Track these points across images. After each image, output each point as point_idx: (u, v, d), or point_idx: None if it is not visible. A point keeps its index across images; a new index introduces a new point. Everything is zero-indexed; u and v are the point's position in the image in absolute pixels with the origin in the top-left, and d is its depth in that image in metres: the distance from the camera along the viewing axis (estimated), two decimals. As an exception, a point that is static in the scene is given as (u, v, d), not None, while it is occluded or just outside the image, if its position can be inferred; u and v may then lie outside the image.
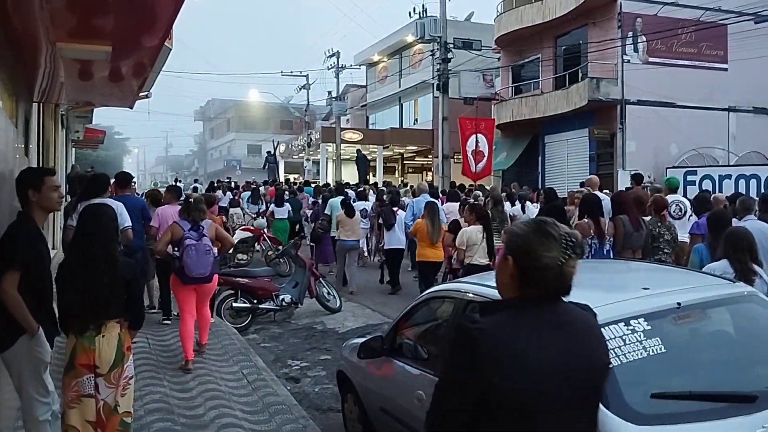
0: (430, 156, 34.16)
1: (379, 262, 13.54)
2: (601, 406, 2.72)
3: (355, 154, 32.17)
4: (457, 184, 18.70)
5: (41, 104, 8.07)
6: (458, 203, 11.83)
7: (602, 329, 2.95)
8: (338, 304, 10.50)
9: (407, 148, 36.46)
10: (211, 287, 7.19)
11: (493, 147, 28.64)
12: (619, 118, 21.99)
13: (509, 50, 27.65)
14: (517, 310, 2.11)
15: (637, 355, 2.94)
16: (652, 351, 2.96)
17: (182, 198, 9.40)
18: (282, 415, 5.47)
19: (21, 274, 3.69)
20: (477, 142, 17.14)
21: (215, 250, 7.03)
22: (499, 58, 29.01)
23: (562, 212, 7.90)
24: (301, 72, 41.63)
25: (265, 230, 15.57)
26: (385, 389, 4.61)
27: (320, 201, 15.60)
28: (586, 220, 7.36)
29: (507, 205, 11.75)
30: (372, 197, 15.63)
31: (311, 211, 16.40)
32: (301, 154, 42.39)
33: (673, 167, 20.27)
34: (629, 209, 7.61)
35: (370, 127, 41.61)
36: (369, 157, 39.75)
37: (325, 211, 13.54)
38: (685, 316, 3.24)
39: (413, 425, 4.09)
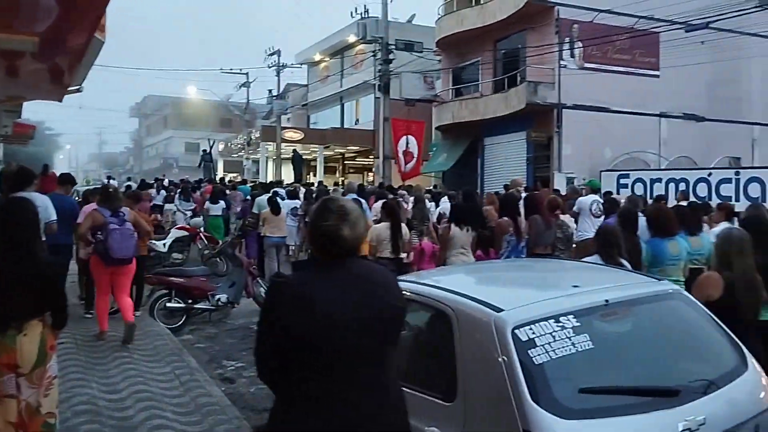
0: (371, 156, 34.21)
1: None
2: (530, 401, 2.79)
3: (293, 154, 32.29)
4: (386, 185, 18.87)
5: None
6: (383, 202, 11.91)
7: (533, 326, 3.04)
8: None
9: (348, 148, 36.43)
10: (132, 269, 7.58)
11: (434, 149, 29.19)
12: (555, 121, 22.48)
13: (450, 53, 27.95)
14: (316, 267, 2.64)
15: (566, 351, 2.99)
16: (581, 347, 3.02)
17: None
18: (215, 415, 5.36)
19: None
20: (407, 143, 17.57)
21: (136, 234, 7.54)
22: (440, 61, 29.28)
23: (477, 210, 8.68)
24: (241, 69, 41.06)
25: (202, 229, 15.29)
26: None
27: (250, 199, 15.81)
28: (506, 219, 7.96)
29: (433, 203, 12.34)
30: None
31: (240, 208, 16.57)
32: (240, 153, 41.86)
33: (607, 170, 20.85)
34: (542, 209, 8.21)
35: (311, 126, 41.43)
36: (310, 157, 39.63)
37: (253, 209, 13.83)
38: (612, 313, 3.32)
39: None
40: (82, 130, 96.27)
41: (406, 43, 25.52)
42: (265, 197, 13.58)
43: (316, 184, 23.41)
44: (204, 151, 37.05)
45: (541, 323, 3.07)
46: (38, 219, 3.93)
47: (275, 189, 16.25)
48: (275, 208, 12.58)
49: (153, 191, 19.83)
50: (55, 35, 4.04)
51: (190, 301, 9.23)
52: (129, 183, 28.57)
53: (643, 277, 3.93)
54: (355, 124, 36.93)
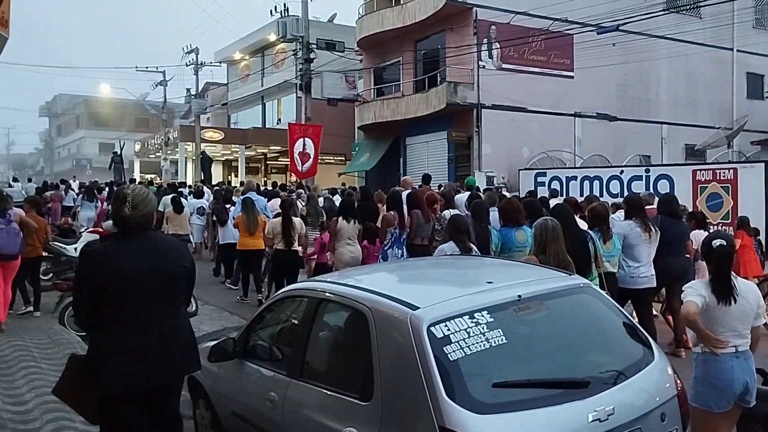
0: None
1: (214, 256, 14.67)
2: (445, 397, 2.80)
3: (202, 155, 32.38)
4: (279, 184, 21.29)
5: None
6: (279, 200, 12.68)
7: (448, 323, 3.05)
8: (194, 308, 10.11)
9: (270, 148, 35.98)
10: (16, 264, 8.46)
11: (356, 148, 29.21)
12: (475, 121, 22.87)
13: (371, 53, 28.03)
14: (117, 238, 3.54)
15: (480, 346, 3.01)
16: (495, 342, 3.05)
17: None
18: (128, 425, 5.16)
19: None
20: (304, 145, 19.14)
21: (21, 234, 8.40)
22: (361, 60, 29.32)
23: (362, 206, 9.90)
24: (157, 68, 39.89)
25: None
26: (237, 393, 4.47)
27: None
28: (392, 213, 8.87)
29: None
30: (209, 196, 16.64)
31: None
32: (158, 154, 40.73)
33: (525, 169, 21.34)
34: (422, 205, 9.18)
35: (232, 126, 40.76)
36: (231, 157, 39.03)
37: (159, 208, 13.45)
38: (525, 308, 3.36)
39: (266, 428, 4.00)
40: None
41: (327, 42, 25.41)
42: (169, 197, 14.02)
43: (226, 184, 23.52)
44: (114, 152, 36.19)
45: (456, 320, 3.09)
46: None
47: (180, 189, 17.07)
48: (178, 207, 13.13)
49: (62, 192, 19.32)
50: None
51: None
52: (29, 184, 27.57)
53: (555, 272, 4.01)
54: (277, 123, 36.52)
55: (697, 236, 7.90)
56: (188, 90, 37.84)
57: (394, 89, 26.96)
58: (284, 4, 27.37)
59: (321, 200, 13.62)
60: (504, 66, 23.23)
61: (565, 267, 4.91)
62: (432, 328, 3.03)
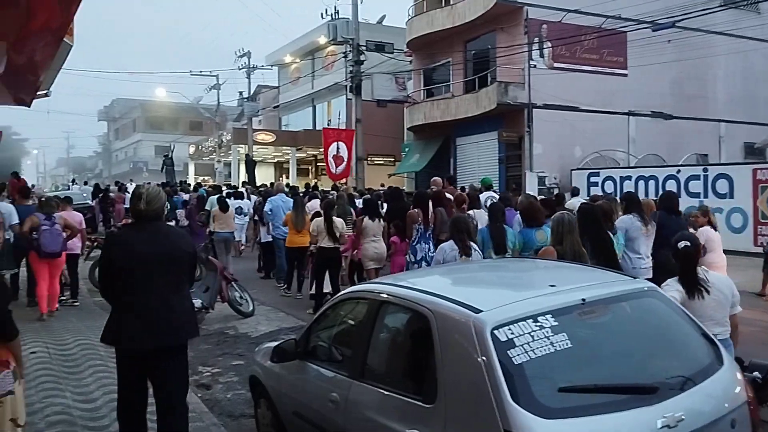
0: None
1: (258, 252, 15.41)
2: (511, 401, 2.80)
3: (246, 158, 33.06)
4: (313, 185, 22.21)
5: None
6: (319, 200, 13.38)
7: (512, 326, 3.05)
8: (251, 308, 10.32)
9: (320, 149, 36.21)
10: (61, 262, 9.56)
11: (406, 149, 29.26)
12: (526, 121, 22.66)
13: (421, 54, 28.03)
14: (133, 226, 4.44)
15: (545, 350, 3.00)
16: (559, 346, 3.03)
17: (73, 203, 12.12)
18: (193, 422, 5.28)
19: None
20: (338, 148, 19.87)
21: (65, 234, 9.46)
22: (411, 62, 29.34)
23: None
24: (211, 72, 40.69)
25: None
26: (298, 393, 4.54)
27: (194, 201, 16.92)
28: (416, 210, 9.27)
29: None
30: (253, 197, 17.89)
31: (184, 210, 17.39)
32: (211, 156, 41.50)
33: (577, 169, 21.09)
34: (445, 203, 9.85)
35: (283, 128, 41.24)
36: (282, 159, 39.51)
37: (206, 207, 15.03)
38: (589, 312, 3.34)
39: (327, 428, 4.05)
40: (50, 134, 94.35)
41: (376, 44, 25.54)
42: (215, 197, 14.69)
43: (268, 185, 24.03)
44: (166, 155, 37.45)
45: (520, 323, 3.08)
46: None
47: (226, 191, 18.12)
48: (223, 207, 13.70)
49: (118, 193, 20.13)
50: (24, 39, 3.96)
51: (163, 306, 9.15)
52: (85, 186, 28.70)
53: (619, 275, 3.97)
54: (327, 125, 36.82)
55: (704, 232, 8.10)
56: (240, 93, 38.48)
57: (444, 90, 26.91)
58: (334, 7, 27.65)
59: (359, 201, 14.21)
60: (555, 65, 22.96)
61: (579, 257, 5.43)
62: (496, 332, 3.03)
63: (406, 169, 28.86)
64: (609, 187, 18.55)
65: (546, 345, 3.02)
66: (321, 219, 10.28)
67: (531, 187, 20.39)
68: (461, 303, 3.29)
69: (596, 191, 17.57)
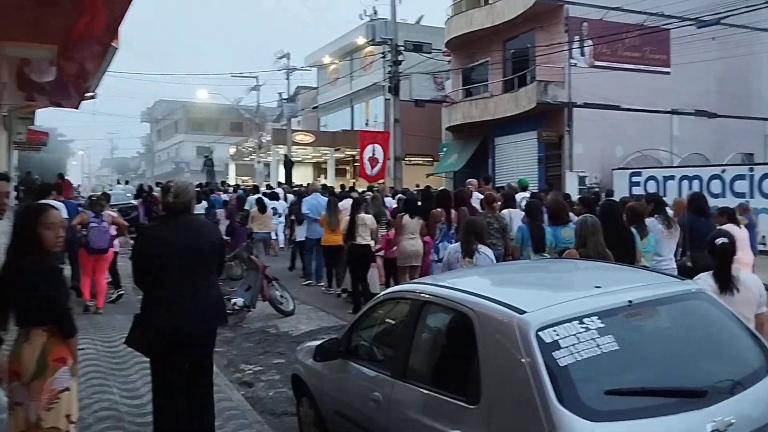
0: (382, 158, 34.16)
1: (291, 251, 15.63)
2: (557, 403, 2.78)
3: (284, 158, 33.47)
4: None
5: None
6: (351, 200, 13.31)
7: (557, 328, 3.03)
8: (291, 307, 10.42)
9: (358, 150, 36.34)
10: (108, 257, 9.88)
11: (444, 149, 29.19)
12: (566, 120, 22.41)
13: (459, 53, 27.93)
14: (163, 219, 4.66)
15: (592, 352, 2.98)
16: (606, 348, 3.00)
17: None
18: (236, 420, 5.39)
19: None
20: (374, 150, 20.24)
21: (113, 231, 9.87)
22: (449, 61, 29.25)
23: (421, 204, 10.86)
24: (250, 73, 41.15)
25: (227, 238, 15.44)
26: (340, 392, 4.57)
27: (234, 201, 17.31)
28: (440, 210, 9.50)
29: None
30: (289, 197, 18.29)
31: (222, 209, 17.72)
32: (251, 157, 41.94)
33: (619, 168, 20.78)
34: (468, 202, 9.98)
35: (322, 129, 41.46)
36: (321, 159, 39.74)
37: (245, 207, 15.58)
38: (636, 314, 3.29)
39: (369, 427, 4.08)
40: (94, 135, 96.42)
41: (415, 44, 25.49)
42: (254, 198, 15.24)
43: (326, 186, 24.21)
44: (206, 157, 38.81)
45: (565, 325, 3.06)
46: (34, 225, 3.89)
47: (263, 191, 18.66)
48: (261, 207, 14.19)
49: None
50: (74, 44, 4.06)
51: (206, 305, 9.29)
52: (127, 186, 29.48)
53: (665, 276, 3.91)
54: (366, 125, 36.93)
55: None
56: (280, 94, 38.82)
57: (483, 89, 26.76)
58: (373, 8, 27.67)
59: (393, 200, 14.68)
60: (596, 63, 22.66)
61: (603, 258, 5.50)
62: (540, 333, 3.02)
63: (444, 169, 28.78)
64: (652, 187, 18.22)
65: (592, 347, 2.99)
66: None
67: (571, 188, 20.15)
68: (505, 303, 3.28)
69: (638, 191, 17.30)
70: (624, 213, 7.27)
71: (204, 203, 17.14)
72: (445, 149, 29.37)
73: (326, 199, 13.35)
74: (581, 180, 21.65)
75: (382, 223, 11.26)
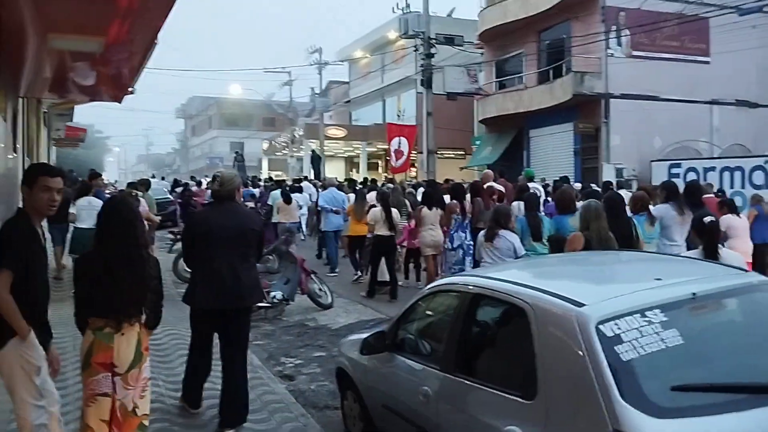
0: (414, 152, 34.05)
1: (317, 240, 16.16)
2: (620, 399, 2.69)
3: (312, 153, 33.93)
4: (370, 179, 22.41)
5: (25, 100, 7.90)
6: (375, 192, 14.16)
7: (618, 321, 2.94)
8: (330, 300, 10.40)
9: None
10: None
11: (477, 142, 28.97)
12: (603, 112, 22.05)
13: (493, 45, 27.64)
14: (212, 205, 5.25)
15: (655, 347, 2.88)
16: (670, 342, 2.90)
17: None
18: (281, 413, 5.37)
19: (13, 275, 3.51)
20: (399, 143, 20.69)
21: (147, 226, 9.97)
22: (482, 53, 28.98)
23: (440, 195, 11.23)
24: (283, 68, 41.32)
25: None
26: (387, 386, 4.52)
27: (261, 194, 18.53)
28: (454, 201, 10.22)
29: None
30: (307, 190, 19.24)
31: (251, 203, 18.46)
32: (284, 151, 42.13)
33: (658, 160, 20.39)
34: (482, 194, 10.59)
35: (354, 123, 41.45)
36: (353, 154, 39.76)
37: (268, 202, 16.48)
38: (701, 307, 3.18)
39: (417, 422, 4.02)
40: (130, 132, 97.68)
41: (447, 37, 25.31)
42: (278, 191, 16.04)
43: (360, 180, 24.43)
44: (236, 152, 39.08)
45: (627, 318, 2.96)
46: (139, 219, 3.94)
47: (286, 185, 19.64)
48: (287, 199, 14.77)
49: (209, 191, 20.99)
50: (121, 36, 4.05)
51: (245, 298, 9.32)
52: (162, 182, 30.10)
53: (726, 268, 3.77)
54: (397, 119, 36.78)
55: (725, 220, 8.44)
56: (312, 89, 38.92)
57: (517, 81, 26.46)
58: (405, 1, 27.45)
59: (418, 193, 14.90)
60: (634, 53, 22.23)
61: (606, 242, 5.75)
62: (601, 327, 2.93)
63: (477, 162, 28.54)
64: (692, 178, 17.83)
65: (656, 341, 2.89)
66: (378, 209, 11.05)
67: (608, 180, 19.82)
68: (562, 296, 3.19)
69: (678, 183, 16.94)
70: (632, 201, 7.79)
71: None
72: (478, 142, 29.14)
73: (341, 193, 14.88)
74: (618, 172, 21.25)
75: (402, 214, 11.80)
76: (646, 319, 2.97)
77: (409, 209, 12.44)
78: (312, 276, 10.34)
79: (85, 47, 4.06)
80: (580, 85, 21.83)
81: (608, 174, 20.86)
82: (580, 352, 2.90)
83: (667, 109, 21.89)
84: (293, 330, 9.14)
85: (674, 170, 19.07)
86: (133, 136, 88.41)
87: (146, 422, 3.87)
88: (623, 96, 21.79)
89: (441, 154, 30.16)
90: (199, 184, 26.10)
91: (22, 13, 3.84)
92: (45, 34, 3.91)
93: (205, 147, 71.59)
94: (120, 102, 6.68)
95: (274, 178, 28.48)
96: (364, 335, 4.87)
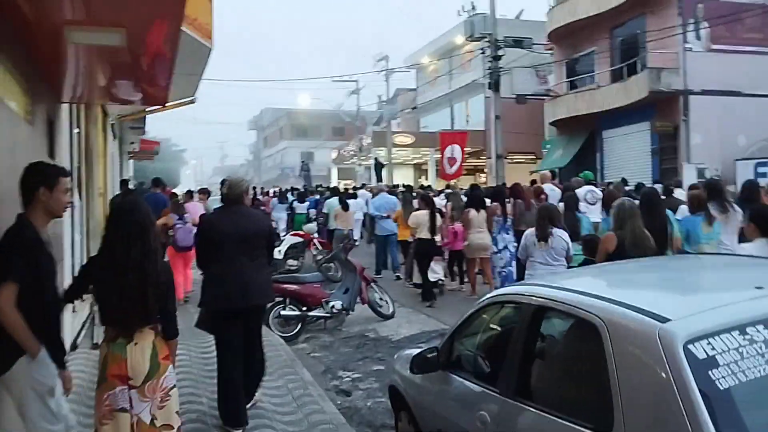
0: (482, 157, 33.47)
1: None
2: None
3: (375, 161, 34.10)
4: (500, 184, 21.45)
5: (77, 108, 7.84)
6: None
7: (712, 339, 2.41)
8: (391, 310, 9.99)
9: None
10: (193, 254, 10.24)
11: (547, 146, 28.12)
12: (682, 109, 20.93)
13: (563, 44, 26.77)
14: (220, 209, 5.34)
15: (760, 371, 2.33)
16: (779, 366, 2.35)
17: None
18: (330, 435, 4.97)
19: (19, 288, 3.23)
20: (453, 151, 20.57)
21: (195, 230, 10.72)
22: (551, 53, 28.12)
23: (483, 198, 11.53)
24: (350, 77, 41.40)
25: (316, 235, 15.30)
26: (441, 408, 4.05)
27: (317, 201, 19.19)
28: (495, 204, 10.44)
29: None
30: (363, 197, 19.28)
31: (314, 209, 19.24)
32: (353, 160, 42.16)
33: (742, 159, 19.21)
34: (523, 196, 10.81)
35: (422, 130, 41.04)
36: (421, 161, 39.39)
37: (323, 210, 16.85)
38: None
39: (476, 450, 3.54)
40: (206, 144, 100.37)
41: (514, 39, 24.60)
42: (334, 199, 16.07)
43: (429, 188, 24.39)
44: (303, 162, 40.84)
45: (723, 336, 2.42)
46: (151, 219, 3.63)
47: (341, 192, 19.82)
48: (344, 206, 14.66)
49: (274, 200, 22.16)
50: (141, 26, 3.77)
51: (304, 308, 9.00)
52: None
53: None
54: (466, 124, 36.19)
55: None
56: (379, 97, 38.81)
57: (589, 81, 25.48)
58: (471, 4, 26.90)
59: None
60: (713, 47, 21.03)
61: (641, 240, 5.56)
62: (690, 346, 2.40)
63: (549, 165, 27.57)
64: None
65: (761, 364, 2.35)
66: (421, 213, 11.13)
67: (689, 181, 18.73)
68: (641, 310, 2.67)
69: (766, 183, 15.82)
70: (689, 201, 7.71)
71: (306, 203, 19.47)
72: (548, 146, 28.27)
73: (392, 197, 15.19)
74: (700, 172, 20.07)
75: (459, 218, 11.76)
76: (748, 337, 2.42)
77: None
78: (372, 285, 9.96)
79: (106, 40, 3.79)
80: (656, 82, 20.75)
81: (689, 174, 19.75)
82: (665, 377, 2.38)
83: (752, 104, 20.60)
84: (352, 341, 8.77)
85: (761, 169, 17.95)
86: (208, 148, 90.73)
87: None
88: (704, 92, 20.63)
89: (511, 159, 29.44)
90: (265, 194, 26.69)
91: (33, 4, 3.59)
92: (61, 28, 3.66)
93: (276, 158, 72.64)
94: (165, 104, 6.48)
95: (329, 187, 28.86)
96: (417, 351, 4.42)
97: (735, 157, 19.61)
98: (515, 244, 9.44)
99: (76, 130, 8.32)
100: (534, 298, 3.40)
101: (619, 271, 4.15)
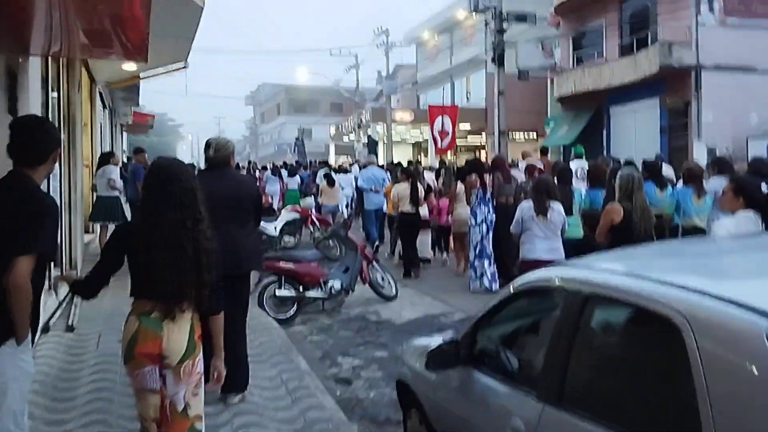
0: (483, 134, 32.83)
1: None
2: None
3: (368, 138, 34.08)
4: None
5: (55, 70, 7.21)
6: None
7: None
8: (394, 291, 9.39)
9: (459, 127, 34.94)
10: None
11: (551, 123, 27.45)
12: (694, 85, 20.25)
13: (569, 18, 25.97)
14: (206, 171, 5.17)
15: None
16: None
17: None
18: (329, 435, 4.39)
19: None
20: (443, 123, 20.24)
21: None
22: (558, 27, 27.33)
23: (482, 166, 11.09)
24: (349, 51, 40.54)
25: (313, 210, 14.77)
26: (461, 409, 3.45)
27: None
28: (474, 176, 10.22)
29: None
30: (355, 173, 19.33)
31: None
32: (351, 136, 41.51)
33: (755, 137, 18.63)
34: (502, 168, 10.73)
35: (421, 106, 40.29)
36: (420, 139, 38.74)
37: (315, 182, 17.34)
38: None
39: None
40: (202, 119, 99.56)
41: (518, 14, 23.84)
42: (323, 173, 16.49)
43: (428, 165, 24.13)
44: (297, 138, 41.04)
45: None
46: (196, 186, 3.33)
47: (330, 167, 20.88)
48: (330, 182, 15.15)
49: (268, 172, 22.61)
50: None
51: (301, 288, 8.39)
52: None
53: None
54: (466, 101, 35.45)
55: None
56: (379, 72, 38.05)
57: (597, 55, 24.74)
58: (474, -25, 26.06)
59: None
60: (728, 20, 20.31)
61: (648, 217, 5.62)
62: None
63: (553, 142, 26.94)
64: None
65: None
66: (402, 186, 11.21)
67: (699, 159, 18.15)
68: (736, 302, 2.06)
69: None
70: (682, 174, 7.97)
71: (297, 178, 19.45)
72: (552, 123, 27.61)
73: (381, 171, 15.20)
74: (711, 151, 19.49)
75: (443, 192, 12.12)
76: None
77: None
78: (374, 264, 9.35)
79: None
80: (667, 57, 20.01)
81: (700, 153, 19.17)
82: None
83: (766, 81, 19.90)
84: (353, 324, 8.20)
85: (774, 148, 17.33)
86: (204, 123, 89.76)
87: (199, 425, 3.24)
88: (716, 68, 19.93)
89: (512, 137, 28.79)
90: (256, 169, 27.37)
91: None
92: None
93: (273, 133, 71.92)
94: (146, 61, 5.85)
95: (323, 161, 28.84)
96: (430, 341, 3.82)
97: (747, 134, 19.02)
98: (493, 216, 9.75)
99: (53, 94, 7.68)
100: (582, 283, 2.78)
101: (687, 252, 3.47)
